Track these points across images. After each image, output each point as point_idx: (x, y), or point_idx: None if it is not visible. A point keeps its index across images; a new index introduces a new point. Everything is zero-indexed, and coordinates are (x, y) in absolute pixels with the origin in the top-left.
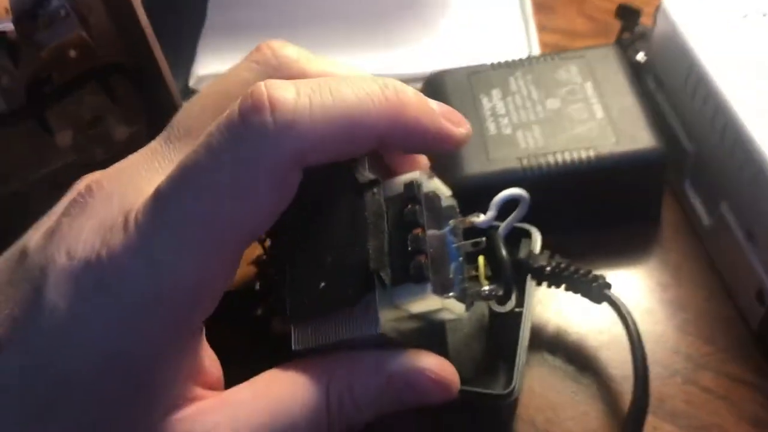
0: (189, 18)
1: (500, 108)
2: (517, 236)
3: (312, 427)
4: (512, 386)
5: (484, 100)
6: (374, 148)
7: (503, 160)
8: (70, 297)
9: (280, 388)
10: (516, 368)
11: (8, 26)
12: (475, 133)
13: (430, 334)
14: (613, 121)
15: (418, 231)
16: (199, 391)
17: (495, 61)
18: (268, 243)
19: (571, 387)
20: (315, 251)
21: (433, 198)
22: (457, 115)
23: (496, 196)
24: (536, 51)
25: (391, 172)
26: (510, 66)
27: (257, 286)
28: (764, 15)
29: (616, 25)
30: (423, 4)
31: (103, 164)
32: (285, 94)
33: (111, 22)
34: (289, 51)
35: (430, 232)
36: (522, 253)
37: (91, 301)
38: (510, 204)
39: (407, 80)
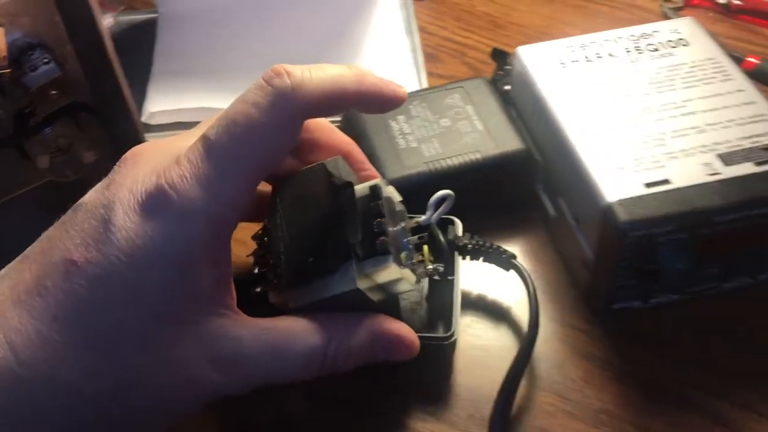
0: (138, 63)
1: (406, 128)
2: (446, 224)
3: (308, 362)
4: (452, 330)
5: (393, 124)
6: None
7: (414, 166)
8: (137, 219)
9: (294, 327)
10: (454, 318)
11: (5, 70)
12: (389, 147)
13: (390, 303)
14: (491, 131)
15: (381, 219)
16: (230, 302)
17: None
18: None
19: (489, 334)
20: (303, 236)
21: (390, 202)
22: (396, 83)
23: (430, 197)
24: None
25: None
26: (411, 96)
27: (255, 270)
28: (587, 60)
29: (490, 69)
30: (338, 54)
31: (75, 183)
32: (294, 68)
33: (82, 68)
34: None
35: (390, 228)
36: (449, 236)
37: (157, 219)
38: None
39: None
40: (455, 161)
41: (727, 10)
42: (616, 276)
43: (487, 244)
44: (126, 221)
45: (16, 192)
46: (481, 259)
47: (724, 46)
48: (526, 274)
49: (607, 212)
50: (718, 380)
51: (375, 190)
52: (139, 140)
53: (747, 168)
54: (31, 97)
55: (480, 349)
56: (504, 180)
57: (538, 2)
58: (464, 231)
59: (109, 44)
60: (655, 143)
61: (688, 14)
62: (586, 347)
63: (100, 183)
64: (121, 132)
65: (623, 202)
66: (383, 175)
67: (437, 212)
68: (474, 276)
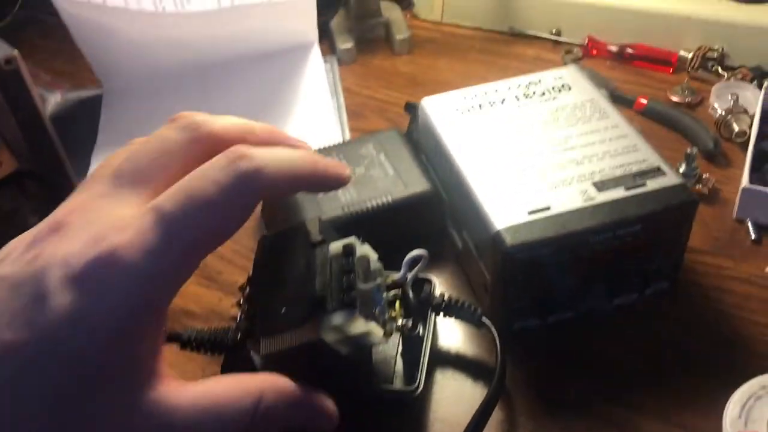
0: (85, 135)
1: None
2: (422, 281)
3: (239, 424)
4: (416, 384)
5: None
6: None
7: (332, 210)
8: (74, 294)
9: (227, 388)
10: (420, 372)
11: None
12: (309, 196)
13: (360, 356)
14: (401, 176)
15: (351, 275)
16: (165, 370)
17: (319, 147)
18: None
19: (459, 382)
20: (279, 288)
21: (365, 260)
22: (343, 165)
23: (405, 256)
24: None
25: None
26: (327, 150)
27: (239, 319)
28: (481, 107)
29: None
30: (271, 115)
31: None
32: (255, 152)
33: (25, 141)
34: (200, 115)
35: (361, 285)
36: (423, 293)
37: (95, 292)
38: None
39: None
40: (369, 204)
41: (621, 57)
42: (510, 296)
43: (459, 303)
44: (61, 297)
45: None
46: (454, 316)
47: (614, 90)
48: (494, 331)
49: (496, 238)
50: (613, 387)
51: (348, 249)
52: None
53: (618, 193)
54: None
55: (450, 400)
56: (415, 218)
57: (454, 60)
58: (433, 287)
59: (46, 118)
60: (539, 176)
61: (588, 64)
62: (487, 353)
63: (18, 253)
64: (63, 195)
65: (509, 229)
66: (303, 218)
67: (413, 272)
68: (452, 331)
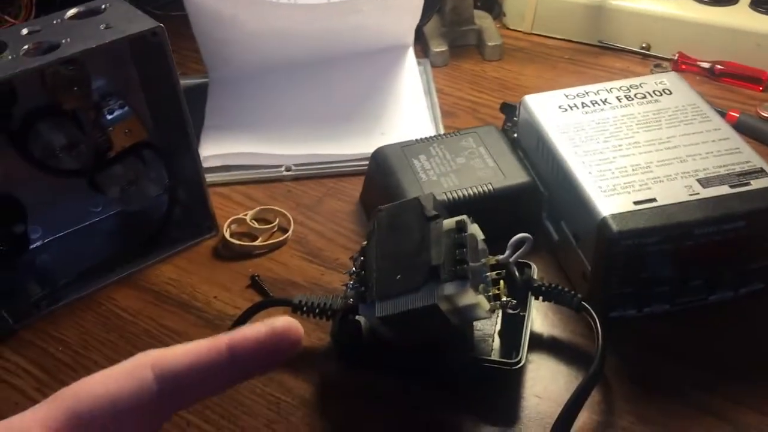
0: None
1: (427, 165)
2: (522, 266)
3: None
4: (519, 357)
5: (415, 162)
6: None
7: (435, 194)
8: None
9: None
10: (522, 348)
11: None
12: (413, 180)
13: (463, 328)
14: (501, 168)
15: (464, 249)
16: None
17: (419, 137)
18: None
19: (554, 363)
20: (394, 257)
21: (474, 238)
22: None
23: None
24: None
25: None
26: (430, 140)
27: (349, 286)
28: (584, 106)
29: (500, 122)
30: (365, 110)
31: (140, 213)
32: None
33: (150, 114)
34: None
35: (473, 260)
36: (524, 276)
37: None
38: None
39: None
40: (470, 192)
41: (711, 74)
42: (610, 284)
43: (559, 287)
44: None
45: (89, 221)
46: (553, 300)
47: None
48: (594, 314)
49: (601, 225)
50: (709, 378)
51: (461, 225)
52: (200, 177)
53: (723, 190)
54: (107, 135)
55: (547, 379)
56: (513, 207)
57: (543, 69)
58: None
59: (182, 95)
60: (643, 170)
61: None
62: (585, 340)
63: None
64: (182, 168)
65: (615, 217)
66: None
67: (516, 254)
68: (547, 315)
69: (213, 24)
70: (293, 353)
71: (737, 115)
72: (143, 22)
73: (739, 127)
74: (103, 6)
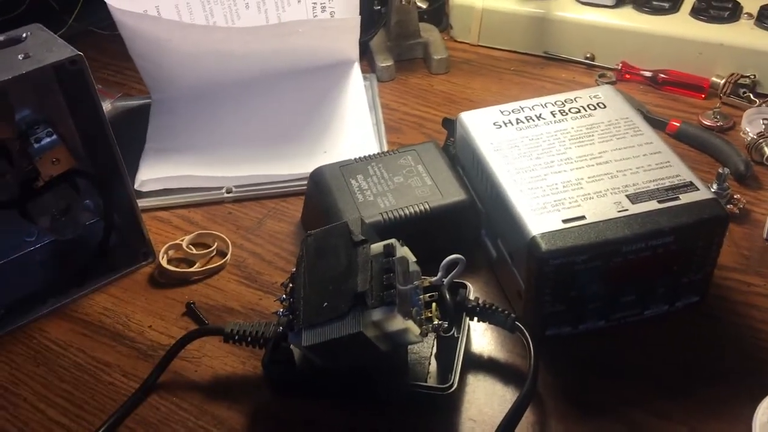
0: (132, 142)
1: (364, 185)
2: (457, 286)
3: None
4: (450, 382)
5: (352, 181)
6: None
7: (370, 216)
8: None
9: None
10: (454, 372)
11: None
12: (349, 201)
13: (396, 353)
14: (439, 186)
15: (391, 274)
16: None
17: (360, 156)
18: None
19: (490, 384)
20: (321, 283)
21: (405, 261)
22: None
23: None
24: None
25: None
26: (368, 159)
27: (281, 313)
28: (518, 122)
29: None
30: (310, 128)
31: (73, 242)
32: None
33: (80, 140)
34: None
35: (400, 285)
36: (459, 298)
37: None
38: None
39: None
40: (407, 211)
41: (655, 82)
42: (543, 303)
43: (493, 308)
44: None
45: (23, 251)
46: (487, 321)
47: (648, 113)
48: (527, 335)
49: (531, 245)
50: (642, 394)
51: (389, 249)
52: (132, 204)
53: (651, 205)
54: (34, 165)
55: (482, 401)
56: (451, 226)
57: (489, 81)
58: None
59: (106, 119)
60: (574, 187)
61: (621, 88)
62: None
63: None
64: (115, 195)
65: (544, 235)
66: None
67: (450, 276)
68: (484, 335)
69: (149, 48)
70: None
71: (678, 124)
72: (62, 51)
73: (681, 136)
74: (23, 35)
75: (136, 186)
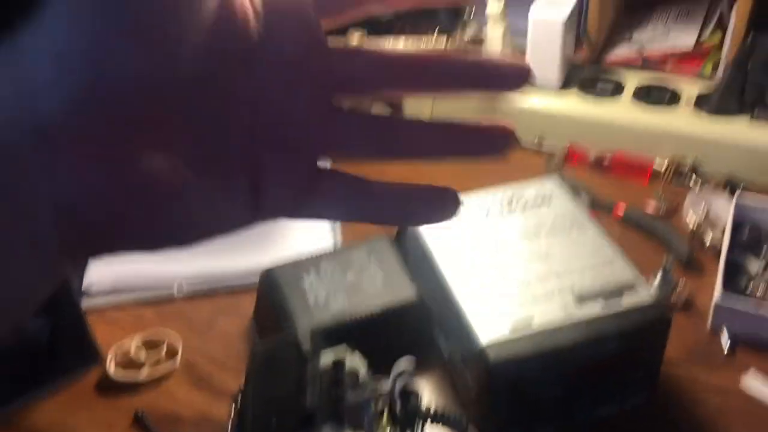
0: None
1: (317, 285)
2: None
3: None
4: None
5: (305, 281)
6: None
7: (323, 319)
8: None
9: None
10: None
11: None
12: (301, 302)
13: None
14: (390, 285)
15: (340, 388)
16: None
17: (312, 254)
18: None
19: None
20: (270, 399)
21: (355, 372)
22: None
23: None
24: (340, 245)
25: None
26: (320, 256)
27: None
28: (468, 217)
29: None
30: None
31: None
32: None
33: None
34: None
35: (350, 398)
36: (411, 404)
37: None
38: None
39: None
40: (358, 314)
41: (600, 166)
42: (495, 408)
43: (446, 416)
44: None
45: None
46: (442, 424)
47: (594, 197)
48: None
49: (480, 354)
50: None
51: (338, 365)
52: (78, 306)
53: (597, 307)
54: None
55: None
56: (402, 326)
57: (441, 165)
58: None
59: None
60: (522, 287)
61: (569, 171)
62: None
63: None
64: (61, 298)
65: (492, 346)
66: (295, 328)
67: (399, 383)
68: None
69: None
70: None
71: (624, 209)
72: None
73: (626, 221)
74: None
75: (84, 287)
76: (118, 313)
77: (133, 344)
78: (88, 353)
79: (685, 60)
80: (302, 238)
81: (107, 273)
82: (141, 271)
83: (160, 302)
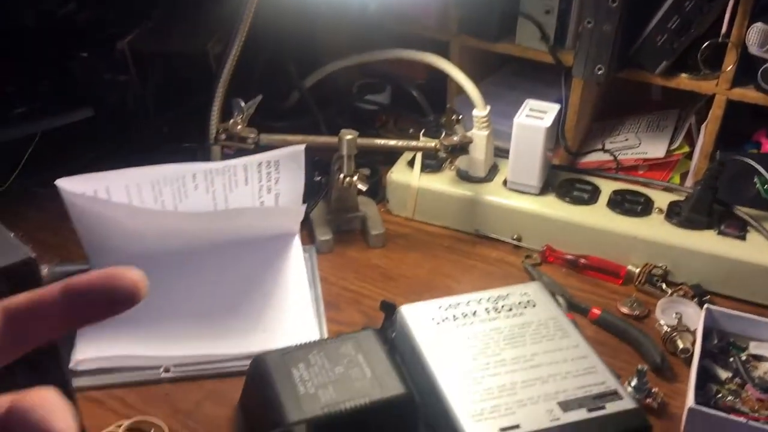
0: None
1: (306, 375)
2: None
3: None
4: None
5: (294, 371)
6: None
7: (312, 411)
8: None
9: None
10: None
11: None
12: (291, 393)
13: None
14: (378, 378)
15: None
16: None
17: (299, 343)
18: None
19: None
20: None
21: None
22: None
23: None
24: (325, 335)
25: None
26: (309, 346)
27: None
28: (455, 318)
29: (381, 317)
30: (249, 304)
31: None
32: None
33: None
34: None
35: None
36: None
37: None
38: None
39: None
40: (347, 406)
41: (576, 266)
42: None
43: None
44: None
45: None
46: None
47: (570, 298)
48: None
49: None
50: None
51: None
52: (69, 385)
53: (581, 414)
54: None
55: None
56: (390, 420)
57: (424, 257)
58: None
59: None
60: (508, 392)
61: (545, 270)
62: None
63: None
64: (52, 379)
65: None
66: (284, 419)
67: None
68: None
69: (96, 224)
70: (130, 299)
71: (599, 312)
72: (14, 252)
73: (601, 324)
74: None
75: (71, 365)
76: (101, 395)
77: (120, 430)
78: None
79: (655, 167)
80: (289, 327)
81: (94, 352)
82: (129, 352)
83: (145, 384)
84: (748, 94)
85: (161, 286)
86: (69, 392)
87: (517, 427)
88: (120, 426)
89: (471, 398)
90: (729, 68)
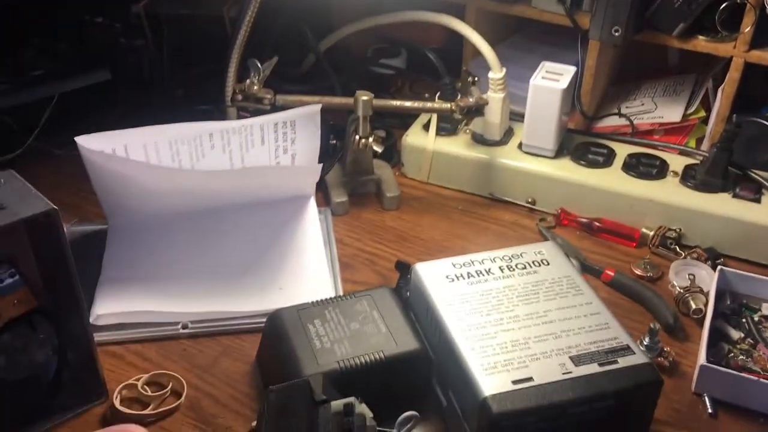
0: (88, 270)
1: (321, 331)
2: None
3: None
4: None
5: (310, 327)
6: None
7: (327, 364)
8: None
9: None
10: None
11: None
12: (307, 348)
13: None
14: (393, 333)
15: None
16: None
17: (315, 300)
18: None
19: None
20: None
21: (362, 418)
22: None
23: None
24: (341, 293)
25: None
26: (325, 303)
27: None
28: (470, 276)
29: (396, 277)
30: (266, 263)
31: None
32: None
33: (41, 279)
34: None
35: None
36: None
37: None
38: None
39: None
40: (362, 360)
41: (590, 229)
42: None
43: None
44: None
45: None
46: None
47: (584, 260)
48: None
49: (483, 405)
50: None
51: (348, 408)
52: (89, 342)
53: (593, 368)
54: None
55: None
56: (404, 375)
57: (438, 219)
58: None
59: (73, 268)
60: (522, 347)
61: (560, 233)
62: None
63: None
64: (71, 333)
65: (495, 397)
66: (297, 371)
67: (404, 430)
68: None
69: (114, 183)
70: None
71: (612, 273)
72: (36, 204)
73: (614, 285)
74: None
75: (91, 320)
76: (121, 350)
77: (139, 383)
78: (95, 389)
79: (671, 132)
80: (305, 286)
81: (114, 307)
82: (147, 308)
83: (163, 339)
84: (766, 57)
85: (178, 244)
86: (89, 346)
87: (529, 379)
88: (139, 379)
89: (484, 352)
90: (747, 30)
